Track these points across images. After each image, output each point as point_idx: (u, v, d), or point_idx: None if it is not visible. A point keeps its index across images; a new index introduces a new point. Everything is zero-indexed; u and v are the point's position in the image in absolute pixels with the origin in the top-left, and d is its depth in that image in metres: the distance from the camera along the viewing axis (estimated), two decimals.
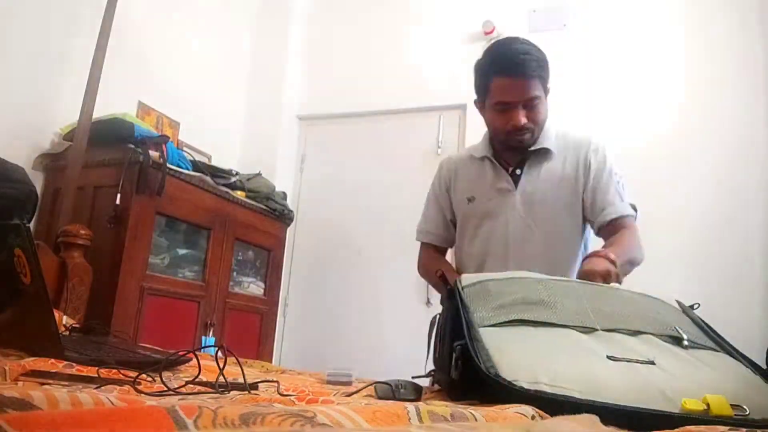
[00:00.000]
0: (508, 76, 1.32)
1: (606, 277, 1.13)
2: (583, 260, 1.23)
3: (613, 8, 3.01)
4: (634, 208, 1.44)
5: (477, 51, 3.19)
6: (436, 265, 1.45)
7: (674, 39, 2.87)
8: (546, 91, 1.40)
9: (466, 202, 1.49)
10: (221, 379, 0.82)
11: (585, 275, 1.14)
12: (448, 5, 3.32)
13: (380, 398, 0.84)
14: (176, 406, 0.42)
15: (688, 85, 2.80)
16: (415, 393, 0.86)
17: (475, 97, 1.46)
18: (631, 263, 1.33)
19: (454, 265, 1.60)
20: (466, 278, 1.03)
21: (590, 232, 1.50)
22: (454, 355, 0.85)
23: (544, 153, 1.43)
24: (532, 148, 1.42)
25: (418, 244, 1.63)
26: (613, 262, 1.17)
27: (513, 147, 1.43)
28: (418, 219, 1.66)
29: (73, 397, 0.48)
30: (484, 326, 0.86)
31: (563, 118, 2.94)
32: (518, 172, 1.44)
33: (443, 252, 1.62)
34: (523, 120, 1.34)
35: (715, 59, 2.78)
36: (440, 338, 0.99)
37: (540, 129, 1.41)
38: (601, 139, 1.49)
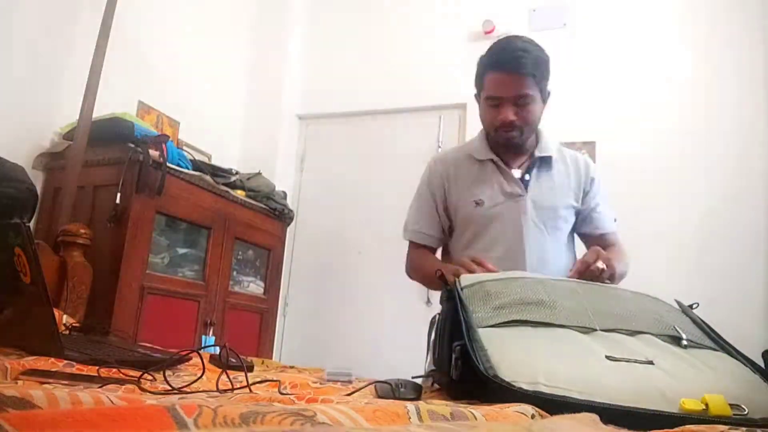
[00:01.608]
0: (502, 71, 1.33)
1: (600, 273, 1.16)
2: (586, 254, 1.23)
3: (614, 7, 3.01)
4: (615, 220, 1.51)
5: (477, 50, 3.21)
6: (433, 264, 1.44)
7: (675, 38, 2.87)
8: (543, 92, 1.40)
9: (473, 205, 1.44)
10: (224, 378, 0.82)
11: (587, 267, 1.16)
12: (448, 4, 3.32)
13: (380, 397, 0.84)
14: (176, 405, 0.42)
15: (688, 84, 2.80)
16: (415, 392, 0.86)
17: (475, 92, 1.46)
18: (621, 276, 1.37)
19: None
20: (465, 278, 1.03)
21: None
22: (453, 355, 0.85)
23: (548, 160, 1.45)
24: (538, 155, 1.44)
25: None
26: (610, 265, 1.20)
27: (505, 146, 1.43)
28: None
29: (73, 396, 0.48)
30: (483, 327, 0.87)
31: (563, 118, 2.95)
32: (527, 177, 1.44)
33: (433, 252, 1.58)
34: (512, 116, 1.34)
35: (717, 58, 2.78)
36: (439, 338, 0.99)
37: (531, 129, 1.41)
38: (590, 159, 1.55)
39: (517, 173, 1.44)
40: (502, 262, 1.37)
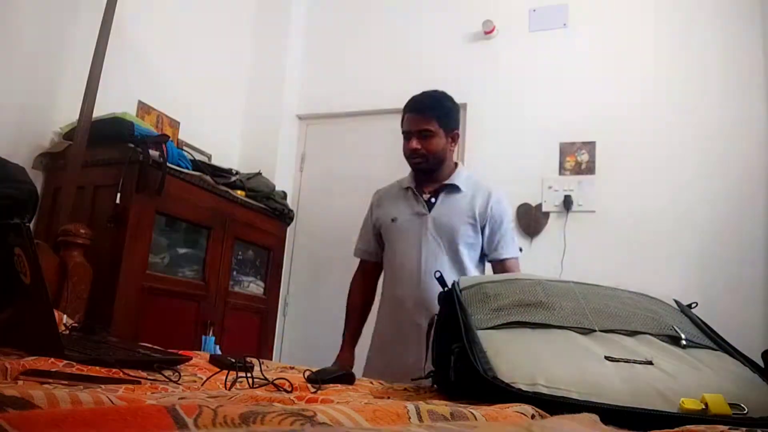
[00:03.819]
0: (410, 112, 1.75)
1: None
2: None
3: (614, 7, 3.01)
4: (520, 249, 1.83)
5: (477, 50, 3.24)
6: (356, 305, 1.94)
7: (675, 38, 2.87)
8: (447, 130, 1.73)
9: (390, 221, 1.81)
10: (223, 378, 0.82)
11: None
12: (448, 5, 3.32)
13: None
14: (176, 405, 0.42)
15: (688, 84, 2.80)
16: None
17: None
18: None
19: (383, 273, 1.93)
20: (464, 280, 1.04)
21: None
22: (452, 357, 0.85)
23: (454, 188, 1.77)
24: (446, 182, 1.77)
25: None
26: None
27: (418, 172, 1.79)
28: None
29: (73, 396, 0.48)
30: (482, 329, 0.87)
31: (563, 118, 2.96)
32: (432, 200, 1.77)
33: (377, 268, 1.93)
34: (415, 145, 1.70)
35: (717, 57, 2.78)
36: (438, 340, 0.99)
37: (436, 159, 1.73)
38: (501, 192, 1.81)
39: (426, 197, 1.78)
40: (402, 267, 1.76)
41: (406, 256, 1.75)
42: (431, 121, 1.70)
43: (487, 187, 1.79)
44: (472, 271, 1.74)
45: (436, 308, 1.58)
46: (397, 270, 1.78)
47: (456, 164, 1.82)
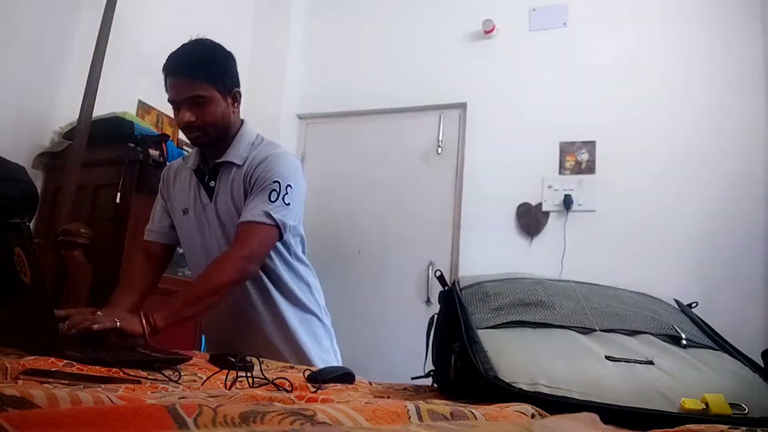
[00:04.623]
0: (172, 75, 1.36)
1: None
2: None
3: (613, 6, 3.01)
4: (269, 215, 1.35)
5: (477, 50, 3.23)
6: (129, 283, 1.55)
7: (675, 37, 2.87)
8: (225, 91, 1.39)
9: (182, 213, 1.50)
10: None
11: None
12: (448, 4, 3.32)
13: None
14: (176, 404, 0.42)
15: (688, 83, 2.80)
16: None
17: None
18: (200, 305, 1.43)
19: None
20: (464, 279, 1.04)
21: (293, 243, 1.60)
22: (452, 356, 0.85)
23: (230, 165, 1.44)
24: (219, 161, 1.44)
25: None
26: (153, 325, 1.29)
27: (200, 147, 1.46)
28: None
29: (73, 396, 0.48)
30: (483, 328, 0.87)
31: (563, 118, 2.96)
32: (212, 184, 1.45)
33: (167, 253, 1.60)
34: (188, 117, 1.34)
35: (717, 57, 2.78)
36: (438, 339, 0.99)
37: (217, 129, 1.39)
38: (280, 151, 1.46)
39: (207, 179, 1.46)
40: (196, 269, 1.49)
41: (197, 256, 1.50)
42: (201, 84, 1.34)
43: (267, 151, 1.44)
44: (277, 270, 1.51)
45: (239, 314, 1.46)
46: (193, 268, 1.56)
47: (241, 126, 1.47)
